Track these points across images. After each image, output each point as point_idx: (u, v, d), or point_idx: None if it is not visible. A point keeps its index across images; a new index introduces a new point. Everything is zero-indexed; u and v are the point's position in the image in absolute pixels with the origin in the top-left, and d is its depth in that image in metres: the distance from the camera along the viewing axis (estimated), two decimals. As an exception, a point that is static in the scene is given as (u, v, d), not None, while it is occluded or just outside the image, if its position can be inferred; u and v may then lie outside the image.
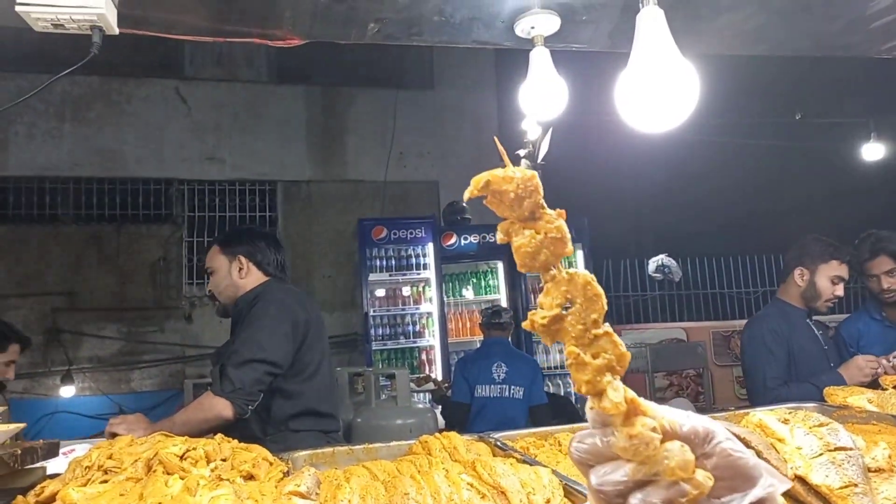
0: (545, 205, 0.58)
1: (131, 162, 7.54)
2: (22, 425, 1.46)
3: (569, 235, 0.58)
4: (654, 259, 8.25)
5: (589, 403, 0.53)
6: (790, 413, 1.22)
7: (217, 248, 2.58)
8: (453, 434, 1.79)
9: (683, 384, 7.30)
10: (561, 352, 6.85)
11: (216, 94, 7.90)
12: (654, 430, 0.50)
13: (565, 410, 5.04)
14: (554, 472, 1.39)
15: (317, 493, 1.08)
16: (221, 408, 2.24)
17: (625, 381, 0.53)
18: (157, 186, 7.67)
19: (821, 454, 1.07)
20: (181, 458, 1.38)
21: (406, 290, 6.85)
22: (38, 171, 7.26)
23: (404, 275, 6.72)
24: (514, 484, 1.29)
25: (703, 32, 2.57)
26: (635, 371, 4.80)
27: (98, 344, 7.38)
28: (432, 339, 6.66)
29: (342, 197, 8.06)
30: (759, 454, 1.07)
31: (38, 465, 1.55)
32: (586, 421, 0.54)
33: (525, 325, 0.58)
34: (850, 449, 1.07)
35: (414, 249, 6.79)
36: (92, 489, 1.21)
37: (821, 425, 1.15)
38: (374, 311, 6.63)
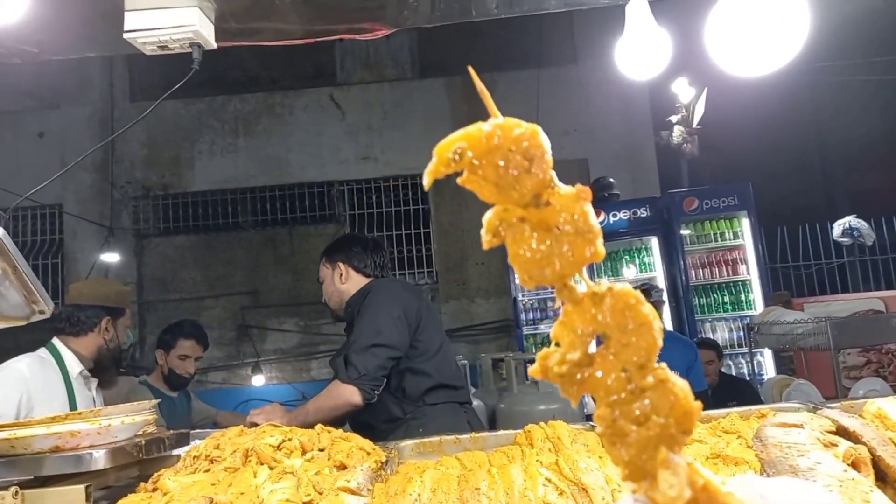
0: (556, 180, 0.41)
1: (296, 168, 8.18)
2: (151, 418, 1.61)
3: (597, 228, 0.41)
4: (840, 222, 7.23)
5: (632, 486, 0.38)
6: (920, 403, 0.99)
7: (322, 260, 2.72)
8: (559, 423, 1.70)
9: (884, 361, 6.42)
10: (731, 329, 6.32)
11: (366, 96, 8.28)
12: None
13: (738, 394, 4.56)
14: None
15: (368, 489, 1.07)
16: (349, 394, 2.34)
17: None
18: (320, 189, 8.23)
19: (954, 455, 0.85)
20: (277, 448, 1.44)
21: (557, 273, 6.70)
22: (220, 183, 8.12)
23: (554, 256, 6.58)
24: (597, 480, 1.19)
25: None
26: (816, 348, 4.30)
27: (280, 337, 8.12)
28: (587, 321, 6.46)
29: (490, 183, 8.07)
30: (872, 451, 0.88)
31: (168, 453, 1.69)
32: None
33: (533, 371, 0.42)
34: None
35: (562, 230, 6.61)
36: (188, 478, 1.30)
37: (960, 418, 0.92)
38: (522, 296, 6.58)
